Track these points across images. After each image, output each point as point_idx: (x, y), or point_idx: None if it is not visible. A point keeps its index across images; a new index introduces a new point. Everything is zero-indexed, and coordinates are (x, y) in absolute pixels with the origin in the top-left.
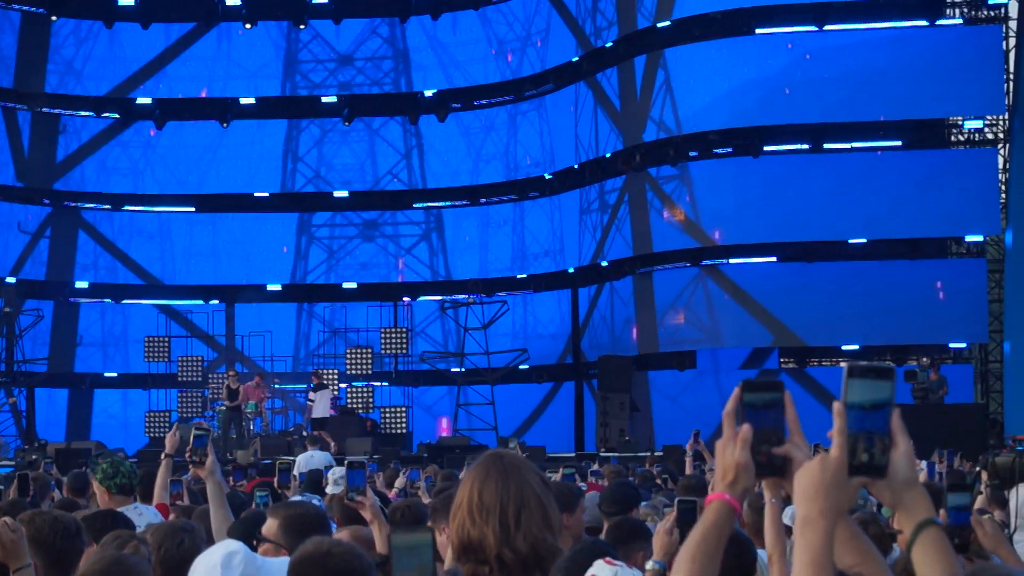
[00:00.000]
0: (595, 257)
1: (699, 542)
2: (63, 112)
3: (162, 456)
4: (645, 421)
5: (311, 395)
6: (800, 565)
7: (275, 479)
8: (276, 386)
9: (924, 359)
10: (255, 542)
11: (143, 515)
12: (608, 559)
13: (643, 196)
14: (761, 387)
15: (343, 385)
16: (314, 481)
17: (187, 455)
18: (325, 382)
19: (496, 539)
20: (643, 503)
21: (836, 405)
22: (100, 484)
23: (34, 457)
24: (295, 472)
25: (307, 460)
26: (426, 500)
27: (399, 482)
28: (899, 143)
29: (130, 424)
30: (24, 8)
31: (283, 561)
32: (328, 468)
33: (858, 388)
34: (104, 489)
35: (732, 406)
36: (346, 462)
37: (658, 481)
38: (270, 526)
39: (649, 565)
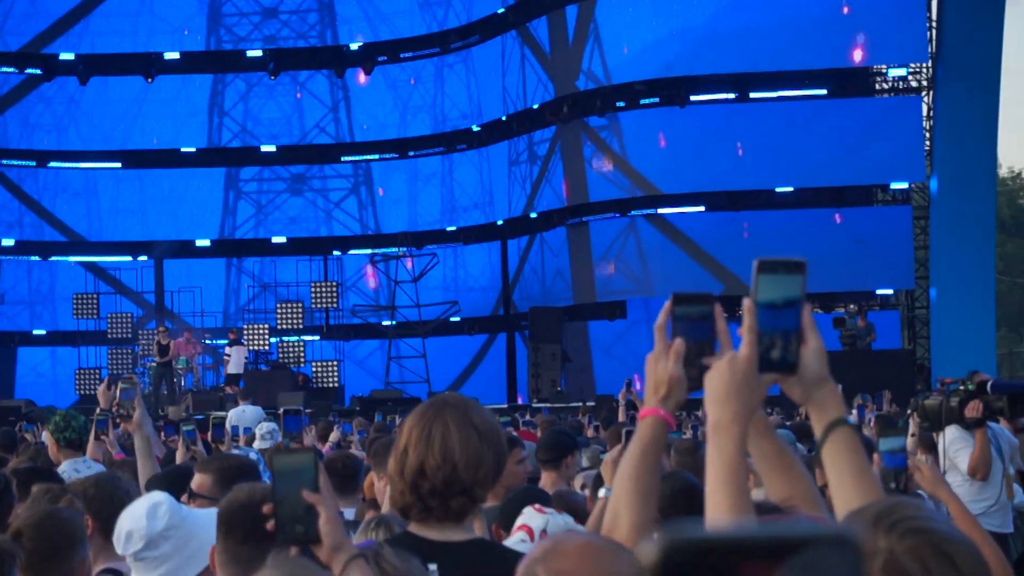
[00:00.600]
0: (526, 209)
1: (638, 458)
2: None
3: (96, 412)
4: (584, 372)
5: (227, 350)
6: (714, 473)
7: (208, 434)
8: (207, 341)
9: (851, 306)
10: (187, 498)
11: (91, 468)
12: (539, 506)
13: (573, 146)
14: (692, 299)
15: (273, 340)
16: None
17: (114, 408)
18: (241, 339)
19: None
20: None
21: (745, 302)
22: (51, 436)
23: None
24: (227, 427)
25: (239, 415)
26: (358, 453)
27: (333, 436)
28: (824, 91)
29: (59, 382)
30: None
31: (210, 512)
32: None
33: (768, 284)
34: (54, 441)
35: (663, 319)
36: (281, 409)
37: (588, 431)
38: (203, 481)
39: (601, 493)
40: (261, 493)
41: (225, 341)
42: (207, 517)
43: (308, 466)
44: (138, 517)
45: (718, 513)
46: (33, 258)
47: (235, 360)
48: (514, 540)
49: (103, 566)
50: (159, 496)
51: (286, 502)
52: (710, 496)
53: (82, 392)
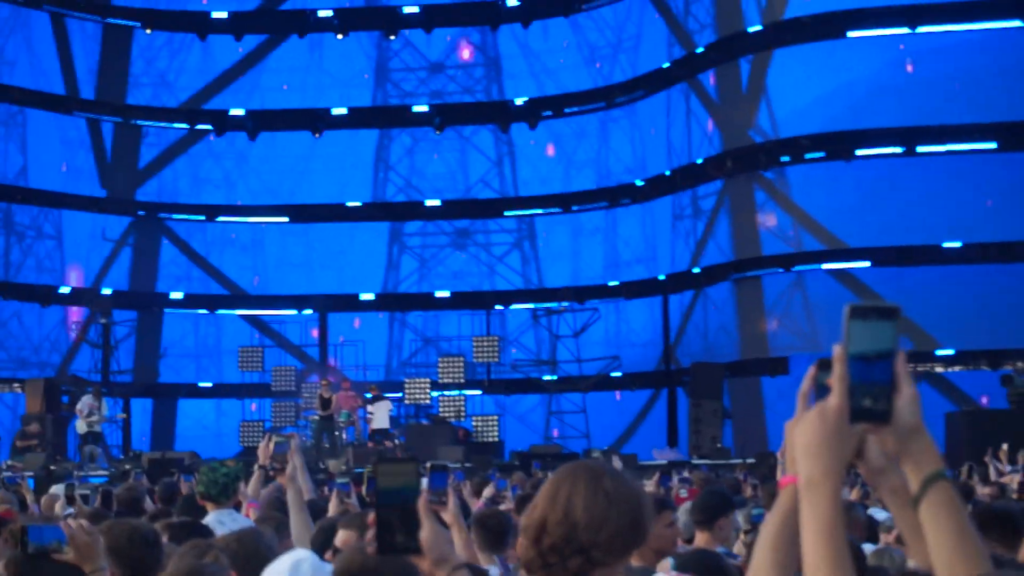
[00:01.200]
0: (690, 264)
1: (778, 526)
2: (157, 124)
3: (255, 467)
4: (746, 429)
5: (369, 408)
6: (810, 533)
7: (363, 487)
8: (368, 396)
9: (1020, 363)
10: (332, 554)
11: (236, 520)
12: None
13: (740, 200)
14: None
15: (435, 394)
16: None
17: (266, 462)
18: (383, 394)
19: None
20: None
21: (836, 349)
22: (196, 487)
23: (127, 467)
24: None
25: None
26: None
27: (487, 491)
28: (993, 145)
29: (223, 434)
30: (117, 21)
31: None
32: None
33: (860, 331)
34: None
35: (807, 386)
36: (428, 464)
37: (747, 490)
38: (347, 537)
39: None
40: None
41: (398, 394)
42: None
43: (411, 476)
44: (280, 572)
45: (815, 572)
46: (201, 311)
47: (379, 416)
48: None
49: None
50: (303, 553)
51: (387, 511)
52: (808, 559)
53: (246, 444)
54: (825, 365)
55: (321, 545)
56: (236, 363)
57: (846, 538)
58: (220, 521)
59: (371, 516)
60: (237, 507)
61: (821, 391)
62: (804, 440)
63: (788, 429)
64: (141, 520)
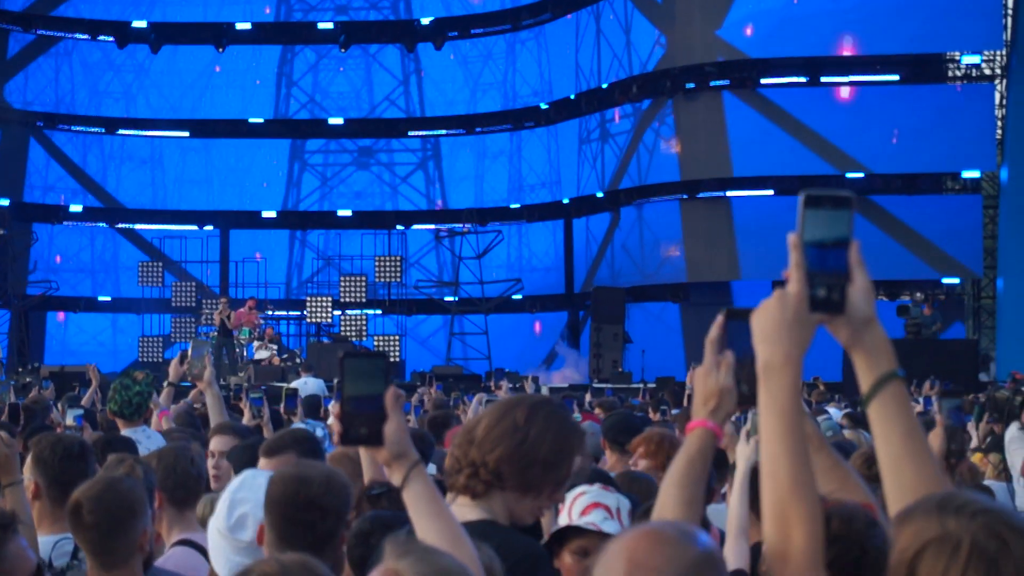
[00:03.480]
0: (596, 189)
1: (684, 468)
2: (61, 34)
3: (165, 384)
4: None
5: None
6: (769, 420)
7: (281, 405)
8: (269, 312)
9: (918, 294)
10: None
11: (150, 438)
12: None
13: (648, 127)
14: (744, 314)
15: (336, 312)
16: (312, 406)
17: (185, 367)
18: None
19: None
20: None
21: (791, 237)
22: (108, 408)
23: (28, 380)
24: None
25: (301, 386)
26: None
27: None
28: (896, 77)
29: (119, 350)
30: None
31: None
32: (326, 397)
33: (814, 220)
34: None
35: (715, 333)
36: (335, 380)
37: (654, 416)
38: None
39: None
40: (309, 468)
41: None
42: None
43: (378, 370)
44: (257, 502)
45: (776, 465)
46: (100, 224)
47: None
48: (597, 517)
49: (179, 536)
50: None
51: (353, 404)
52: (764, 445)
53: (145, 359)
54: (733, 315)
55: (246, 463)
56: (135, 278)
57: (804, 425)
58: (135, 439)
59: (336, 408)
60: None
61: (730, 340)
62: (763, 326)
63: (698, 375)
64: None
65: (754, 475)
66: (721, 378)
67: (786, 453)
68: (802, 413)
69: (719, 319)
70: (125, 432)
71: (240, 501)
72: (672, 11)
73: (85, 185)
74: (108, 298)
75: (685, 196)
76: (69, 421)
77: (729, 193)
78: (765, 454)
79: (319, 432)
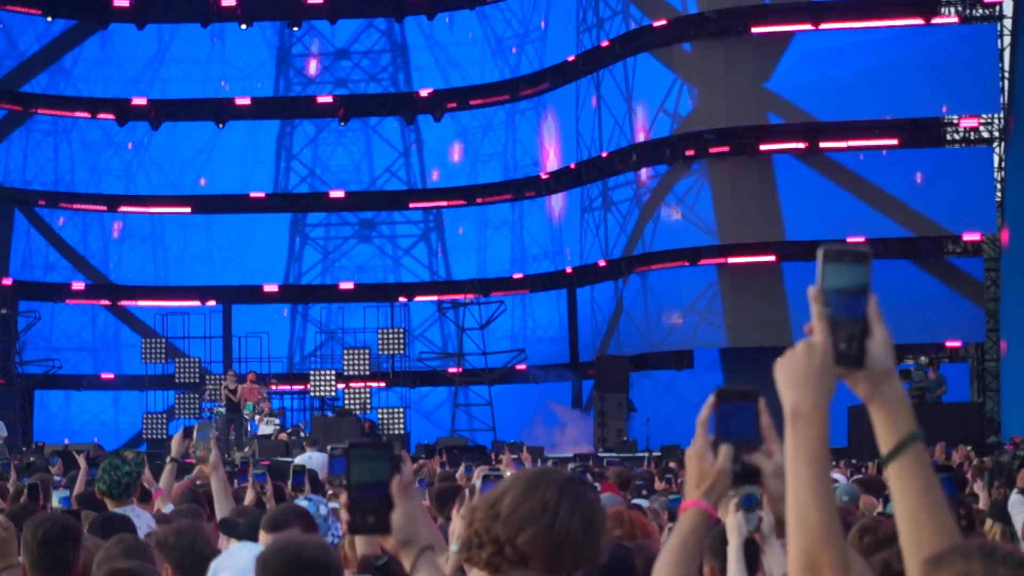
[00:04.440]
0: (600, 257)
1: (678, 548)
2: (59, 113)
3: (168, 460)
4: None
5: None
6: (797, 463)
7: (289, 482)
8: (272, 387)
9: (923, 358)
10: None
11: (140, 517)
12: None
13: (648, 194)
14: (736, 395)
15: (340, 386)
16: (314, 482)
17: (190, 450)
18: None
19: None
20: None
21: (811, 291)
22: (97, 487)
23: (32, 459)
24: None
25: (306, 460)
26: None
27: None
28: (895, 141)
29: (120, 429)
30: (17, 8)
31: None
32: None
33: (834, 273)
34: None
35: (706, 414)
36: (329, 448)
37: (659, 484)
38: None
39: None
40: (301, 539)
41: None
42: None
43: (384, 459)
44: (244, 570)
45: (806, 511)
46: (103, 302)
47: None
48: None
49: None
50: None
51: (360, 491)
52: (793, 492)
53: (149, 436)
54: (724, 395)
55: (248, 536)
56: (139, 355)
57: (830, 473)
58: (136, 514)
59: (343, 498)
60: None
61: (721, 420)
62: (791, 374)
63: (690, 455)
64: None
65: (748, 547)
66: (720, 461)
67: (816, 500)
68: (829, 461)
69: (710, 400)
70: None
71: (220, 569)
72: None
73: (85, 263)
74: (111, 375)
75: (687, 263)
76: (55, 503)
77: (732, 260)
78: (794, 501)
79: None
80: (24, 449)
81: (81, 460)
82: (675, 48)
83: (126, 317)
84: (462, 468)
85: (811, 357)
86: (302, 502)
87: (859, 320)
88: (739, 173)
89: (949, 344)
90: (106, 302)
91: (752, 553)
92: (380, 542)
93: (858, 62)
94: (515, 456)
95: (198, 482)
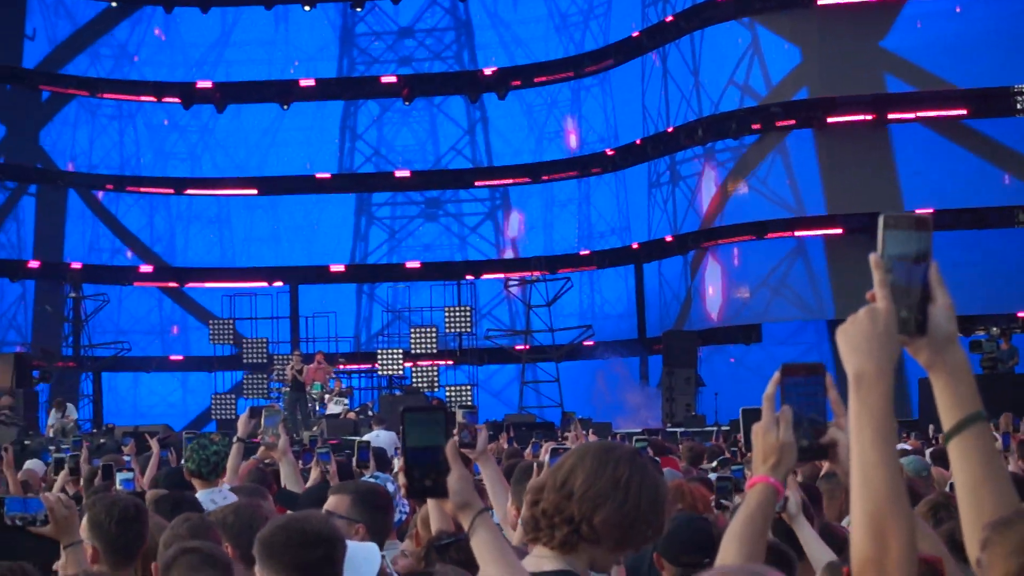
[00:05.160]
0: (668, 232)
1: (745, 523)
2: (124, 98)
3: (234, 440)
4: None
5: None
6: (863, 431)
7: (354, 457)
8: (340, 367)
9: (994, 328)
10: None
11: (227, 498)
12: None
13: (716, 168)
14: (801, 370)
15: (408, 364)
16: (381, 460)
17: (259, 436)
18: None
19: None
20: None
21: (873, 257)
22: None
23: (102, 441)
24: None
25: (373, 439)
26: None
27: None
28: (964, 112)
29: (189, 409)
30: None
31: (367, 546)
32: (396, 448)
33: (895, 240)
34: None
35: (772, 389)
36: (459, 409)
37: (727, 455)
38: (339, 502)
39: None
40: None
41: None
42: (360, 550)
43: (439, 423)
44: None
45: (872, 475)
46: (170, 285)
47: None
48: None
49: None
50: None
51: (414, 456)
52: (858, 456)
53: (217, 416)
54: (790, 370)
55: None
56: (207, 336)
57: (896, 436)
58: (212, 500)
59: (399, 462)
60: None
61: (788, 395)
62: (854, 339)
63: (756, 431)
64: (123, 494)
65: (775, 528)
66: (781, 433)
67: (882, 463)
68: (894, 426)
69: (776, 375)
70: (202, 492)
71: None
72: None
73: (151, 246)
74: (180, 357)
75: (754, 237)
76: (118, 486)
77: (798, 233)
78: (858, 466)
79: (389, 487)
80: (95, 431)
81: (153, 442)
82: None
83: (192, 299)
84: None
85: (874, 322)
86: (368, 479)
87: (921, 287)
88: (806, 145)
89: (1021, 314)
90: (173, 284)
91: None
92: (441, 505)
93: (927, 33)
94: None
95: (265, 461)
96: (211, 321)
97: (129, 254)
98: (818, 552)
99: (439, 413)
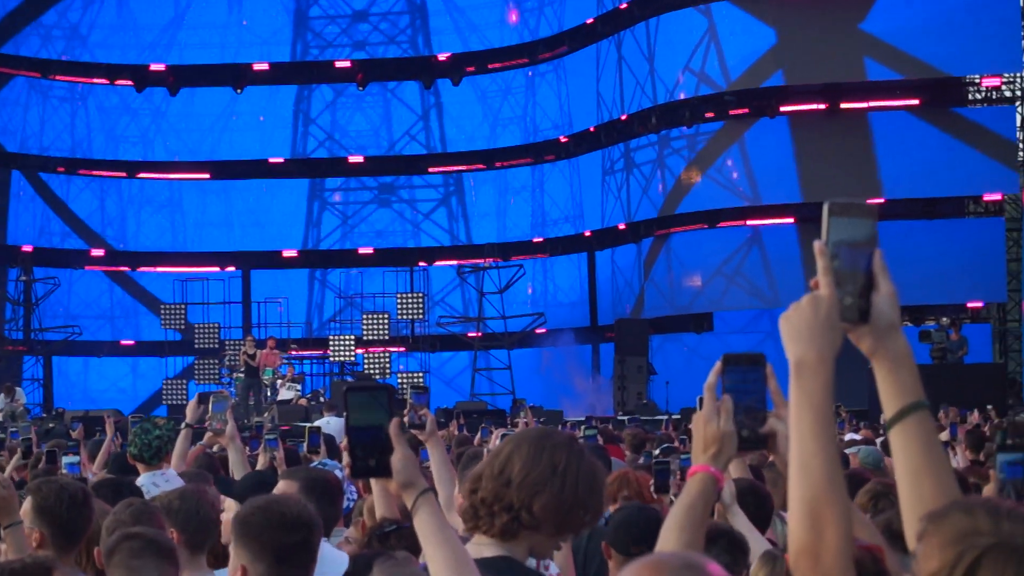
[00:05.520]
0: (621, 219)
1: (685, 512)
2: (76, 80)
3: (182, 425)
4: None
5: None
6: (802, 420)
7: (305, 443)
8: (292, 352)
9: (944, 319)
10: None
11: (170, 482)
12: None
13: (668, 156)
14: (742, 360)
15: (360, 351)
16: (331, 446)
17: (207, 422)
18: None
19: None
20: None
21: (817, 244)
22: (128, 451)
23: (51, 425)
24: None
25: (324, 425)
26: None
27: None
28: (916, 102)
29: (139, 394)
30: None
31: (333, 551)
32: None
33: (840, 227)
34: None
35: (713, 379)
36: (408, 389)
37: (676, 444)
38: (287, 487)
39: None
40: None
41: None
42: (333, 555)
43: (381, 402)
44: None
45: (810, 462)
46: (121, 269)
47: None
48: None
49: None
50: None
51: (357, 435)
52: (797, 444)
53: (168, 402)
54: (730, 360)
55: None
56: (158, 322)
57: (834, 425)
58: (154, 483)
59: (343, 442)
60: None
61: (728, 386)
62: (796, 326)
63: (697, 421)
64: (69, 479)
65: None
66: (722, 423)
67: (821, 451)
68: (832, 413)
69: (717, 366)
70: (144, 476)
71: None
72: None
73: (102, 230)
74: (131, 342)
75: (706, 226)
76: (63, 469)
77: (750, 222)
78: (797, 452)
79: (338, 473)
80: (44, 416)
81: (109, 424)
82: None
83: (143, 284)
84: (479, 433)
85: (816, 310)
86: (317, 466)
87: (864, 274)
88: (762, 134)
89: (971, 305)
90: (125, 268)
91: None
92: (384, 484)
93: (879, 22)
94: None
95: (212, 447)
96: (162, 306)
97: (78, 238)
98: (754, 542)
99: (382, 392)
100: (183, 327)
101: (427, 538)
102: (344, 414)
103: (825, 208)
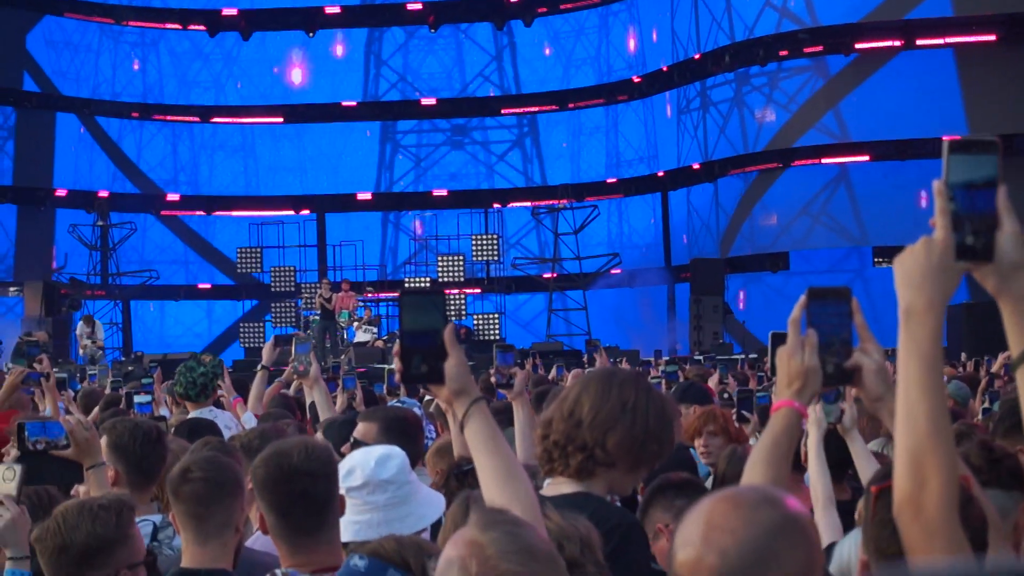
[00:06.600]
0: (697, 159)
1: (770, 447)
2: (149, 25)
3: (258, 368)
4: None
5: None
6: (908, 367)
7: (384, 385)
8: (367, 295)
9: None
10: (350, 446)
11: (218, 418)
12: None
13: (742, 95)
14: (827, 294)
15: None
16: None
17: (290, 363)
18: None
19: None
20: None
21: (936, 184)
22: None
23: (130, 368)
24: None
25: None
26: None
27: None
28: (992, 37)
29: (213, 335)
30: None
31: (437, 495)
32: None
33: (960, 164)
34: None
35: (798, 313)
36: (495, 345)
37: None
38: (367, 429)
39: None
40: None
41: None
42: (432, 497)
43: (437, 306)
44: (368, 458)
45: (915, 410)
46: (197, 213)
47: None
48: None
49: None
50: (397, 451)
51: (411, 339)
52: (903, 391)
53: (246, 344)
54: (816, 294)
55: (340, 438)
56: (234, 266)
57: (942, 371)
58: (213, 415)
59: (396, 347)
60: (216, 404)
61: (813, 320)
62: (907, 271)
63: (781, 355)
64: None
65: (827, 440)
66: (806, 357)
67: (926, 399)
68: (941, 361)
69: (801, 299)
70: (193, 413)
71: (348, 459)
72: None
73: (177, 174)
74: (207, 285)
75: (781, 165)
76: (134, 410)
77: (824, 161)
78: (903, 400)
79: (417, 411)
80: (123, 359)
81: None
82: None
83: (218, 228)
84: (554, 370)
85: (929, 254)
86: (396, 404)
87: (988, 213)
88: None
89: None
90: (200, 212)
91: (831, 450)
92: (434, 391)
93: None
94: (614, 360)
95: (289, 388)
96: (239, 250)
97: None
98: (867, 468)
99: (438, 296)
100: (259, 270)
101: (477, 447)
102: (399, 318)
103: (945, 145)
